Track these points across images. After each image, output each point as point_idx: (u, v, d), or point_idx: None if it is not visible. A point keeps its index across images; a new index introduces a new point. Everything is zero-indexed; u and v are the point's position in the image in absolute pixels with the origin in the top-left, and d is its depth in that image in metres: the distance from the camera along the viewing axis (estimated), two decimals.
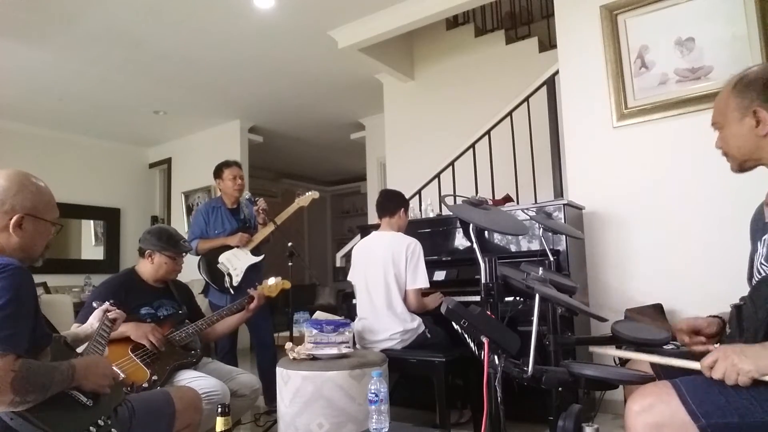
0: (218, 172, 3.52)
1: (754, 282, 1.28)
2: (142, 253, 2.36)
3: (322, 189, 9.68)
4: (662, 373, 1.36)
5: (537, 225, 2.58)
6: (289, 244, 3.27)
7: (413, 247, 2.66)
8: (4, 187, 1.38)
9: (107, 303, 1.84)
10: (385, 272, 2.65)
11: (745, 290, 1.31)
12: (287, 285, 2.73)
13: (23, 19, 3.81)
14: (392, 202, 2.85)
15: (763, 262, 1.24)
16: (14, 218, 1.37)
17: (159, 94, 5.40)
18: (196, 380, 2.05)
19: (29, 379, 1.20)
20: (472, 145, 3.95)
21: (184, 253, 2.44)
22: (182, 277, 2.56)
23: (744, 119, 1.23)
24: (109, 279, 2.37)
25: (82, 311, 2.13)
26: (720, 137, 1.31)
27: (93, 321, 1.76)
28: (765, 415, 1.04)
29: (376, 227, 2.93)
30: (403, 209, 2.85)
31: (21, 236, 1.38)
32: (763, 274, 1.23)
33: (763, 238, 1.25)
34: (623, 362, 1.62)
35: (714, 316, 1.41)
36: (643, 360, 1.32)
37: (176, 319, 2.32)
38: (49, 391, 1.25)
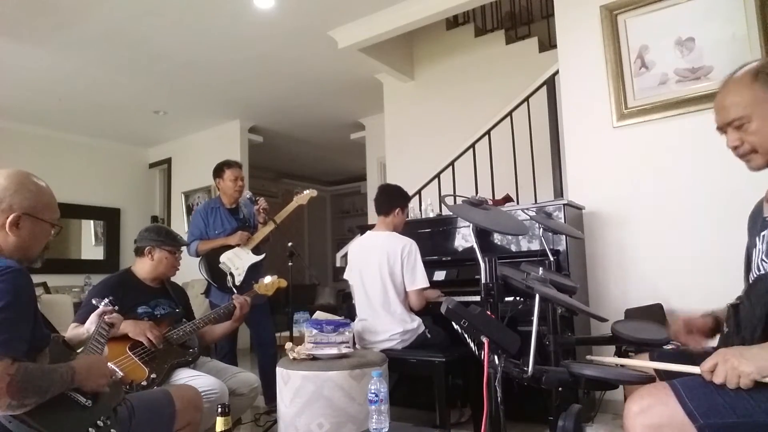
0: (219, 172, 3.50)
1: (751, 277, 1.27)
2: (140, 251, 2.36)
3: (322, 189, 9.68)
4: (662, 373, 1.36)
5: (537, 225, 2.58)
6: (289, 243, 3.27)
7: (409, 247, 2.64)
8: (2, 185, 1.37)
9: (105, 301, 1.84)
10: (381, 274, 2.64)
11: None
12: (283, 283, 2.73)
13: (23, 19, 3.81)
14: (389, 200, 2.80)
15: (763, 258, 1.23)
16: (11, 217, 1.36)
17: (159, 94, 5.40)
18: (194, 379, 2.05)
19: (26, 382, 1.19)
20: (472, 145, 3.95)
21: (181, 248, 2.46)
22: (181, 278, 2.56)
23: None
24: (106, 278, 2.37)
25: (80, 310, 2.13)
26: (748, 132, 1.21)
27: (89, 324, 1.75)
28: (763, 415, 1.04)
29: (374, 227, 2.92)
30: (399, 208, 2.79)
31: (18, 236, 1.37)
32: (763, 270, 1.22)
33: (762, 233, 1.25)
34: None
35: (707, 314, 1.42)
36: (642, 366, 1.31)
37: (173, 318, 2.32)
38: (48, 394, 1.25)
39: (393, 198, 2.82)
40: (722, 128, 1.27)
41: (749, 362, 1.05)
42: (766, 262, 1.22)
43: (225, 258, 3.30)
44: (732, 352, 1.09)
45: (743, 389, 1.06)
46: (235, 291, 3.23)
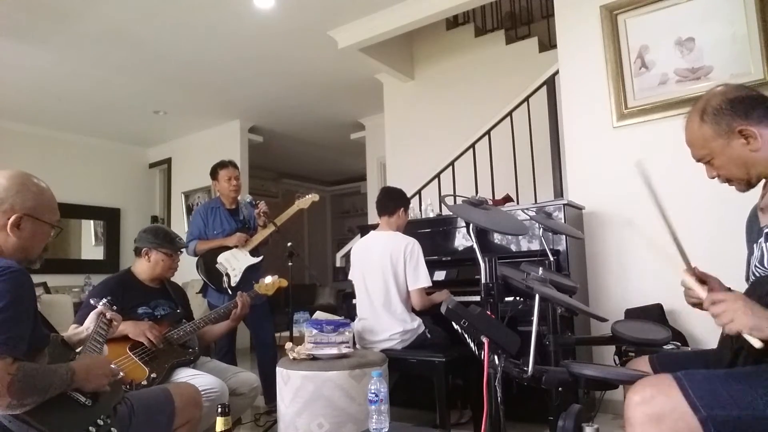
0: (214, 174, 3.51)
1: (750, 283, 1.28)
2: (138, 252, 2.37)
3: (322, 189, 9.68)
4: (662, 370, 1.36)
5: (537, 225, 2.58)
6: (289, 244, 3.27)
7: (411, 247, 2.65)
8: (4, 186, 1.38)
9: (103, 302, 1.84)
10: (384, 273, 2.64)
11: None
12: (284, 283, 2.73)
13: (23, 19, 3.81)
14: (392, 201, 2.83)
15: (757, 265, 1.24)
16: (12, 218, 1.36)
17: (159, 94, 5.40)
18: (194, 378, 2.05)
19: (27, 382, 1.19)
20: (472, 145, 3.95)
21: (179, 251, 2.46)
22: (180, 277, 2.56)
23: (731, 142, 1.24)
24: (106, 279, 2.38)
25: (80, 310, 2.13)
26: (715, 167, 1.30)
27: (88, 323, 1.75)
28: (766, 407, 1.04)
29: (376, 227, 2.92)
30: (402, 209, 2.83)
31: (19, 236, 1.37)
32: (758, 277, 1.23)
33: (759, 241, 1.26)
34: (623, 362, 1.62)
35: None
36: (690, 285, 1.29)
37: (173, 318, 2.32)
38: (48, 394, 1.25)
39: (396, 198, 2.85)
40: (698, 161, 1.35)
41: (749, 317, 1.05)
42: (760, 269, 1.23)
43: (222, 259, 3.30)
44: (744, 300, 1.09)
45: (744, 379, 1.06)
46: (230, 292, 3.23)
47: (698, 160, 1.34)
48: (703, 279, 1.41)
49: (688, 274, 1.31)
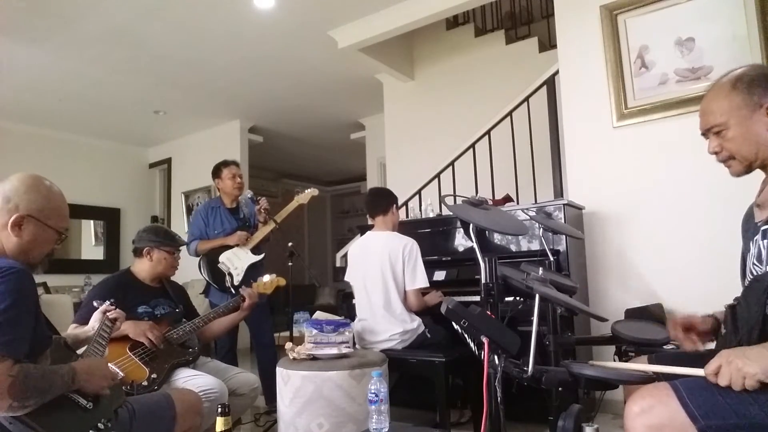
0: (217, 172, 3.51)
1: (747, 281, 1.28)
2: (138, 252, 2.37)
3: (322, 189, 9.65)
4: (661, 373, 1.36)
5: (537, 225, 2.58)
6: (289, 243, 3.27)
7: (410, 247, 2.65)
8: (13, 186, 1.38)
9: (107, 303, 1.84)
10: (383, 273, 2.64)
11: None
12: (282, 282, 2.73)
13: (23, 19, 3.81)
14: (384, 199, 2.84)
15: (755, 262, 1.24)
16: (14, 217, 1.35)
17: (159, 94, 5.40)
18: (193, 378, 2.05)
19: (27, 384, 1.19)
20: (472, 145, 3.95)
21: (180, 248, 2.47)
22: (181, 277, 2.56)
23: (754, 116, 1.20)
24: (105, 279, 2.38)
25: (80, 310, 2.13)
26: (725, 140, 1.25)
27: (93, 322, 1.75)
28: (764, 416, 1.04)
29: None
30: (394, 205, 2.86)
31: (18, 236, 1.37)
32: (756, 274, 1.23)
33: (755, 238, 1.25)
34: (623, 361, 1.62)
35: (708, 315, 1.41)
36: (646, 370, 1.31)
37: (173, 317, 2.33)
38: (49, 395, 1.25)
39: (387, 196, 2.88)
40: (704, 133, 1.30)
41: (753, 363, 1.04)
42: (758, 266, 1.22)
43: (224, 258, 3.30)
44: (735, 353, 1.08)
45: (747, 390, 1.05)
46: (233, 291, 3.23)
47: (708, 129, 1.27)
48: (689, 326, 1.40)
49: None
